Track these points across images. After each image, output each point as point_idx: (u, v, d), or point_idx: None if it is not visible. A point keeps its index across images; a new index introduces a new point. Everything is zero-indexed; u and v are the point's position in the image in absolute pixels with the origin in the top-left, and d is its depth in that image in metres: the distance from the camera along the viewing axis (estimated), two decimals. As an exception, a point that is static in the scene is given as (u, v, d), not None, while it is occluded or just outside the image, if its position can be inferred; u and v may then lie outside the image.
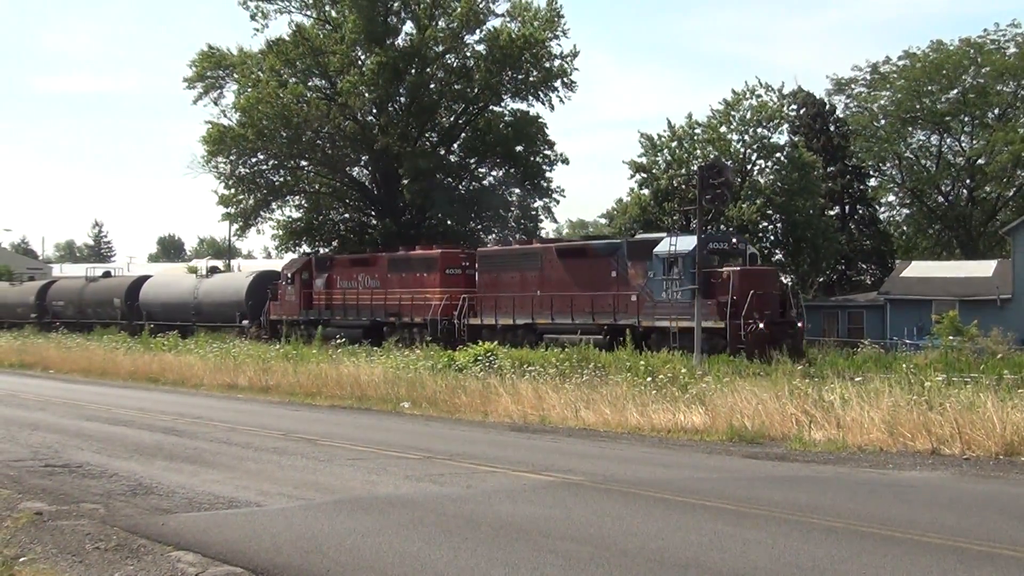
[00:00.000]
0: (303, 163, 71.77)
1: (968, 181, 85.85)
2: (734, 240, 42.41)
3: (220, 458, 17.22)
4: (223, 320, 58.60)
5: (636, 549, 10.36)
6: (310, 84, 69.99)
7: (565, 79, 69.88)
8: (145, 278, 70.02)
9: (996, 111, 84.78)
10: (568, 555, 10.07)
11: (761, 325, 37.07)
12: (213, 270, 67.97)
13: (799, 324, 39.64)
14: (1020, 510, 13.31)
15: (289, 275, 56.38)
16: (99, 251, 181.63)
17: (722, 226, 57.33)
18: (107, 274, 77.47)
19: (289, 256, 74.30)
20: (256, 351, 40.77)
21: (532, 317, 44.86)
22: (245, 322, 57.61)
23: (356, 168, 73.89)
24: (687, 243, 40.06)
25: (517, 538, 10.83)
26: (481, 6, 68.25)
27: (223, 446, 18.93)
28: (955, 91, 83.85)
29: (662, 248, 40.71)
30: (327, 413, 27.33)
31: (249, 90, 67.33)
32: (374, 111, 70.19)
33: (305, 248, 72.89)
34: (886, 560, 9.99)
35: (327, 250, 72.29)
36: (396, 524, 11.58)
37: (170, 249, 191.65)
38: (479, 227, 71.75)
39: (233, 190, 70.38)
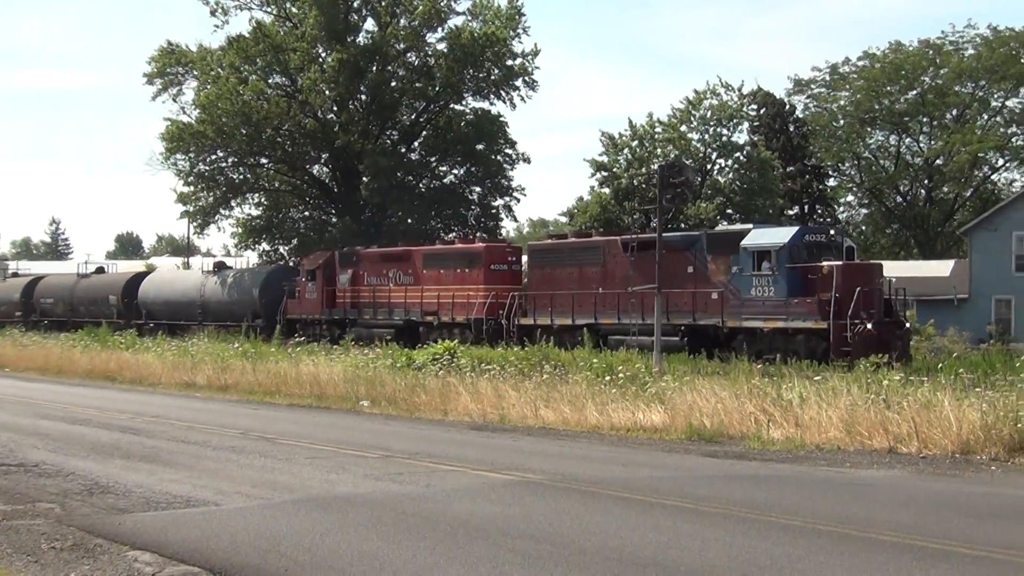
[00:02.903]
0: (263, 161, 71.41)
1: (926, 181, 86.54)
2: (831, 232, 38.85)
3: (178, 457, 17.13)
4: (233, 319, 55.01)
5: (595, 548, 10.37)
6: (270, 81, 69.65)
7: (526, 78, 69.94)
8: (144, 274, 68.23)
9: (954, 112, 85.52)
10: (527, 553, 10.07)
11: (869, 326, 33.79)
12: (220, 266, 65.06)
13: (907, 325, 36.82)
14: (975, 508, 13.41)
15: (310, 271, 53.81)
16: (56, 248, 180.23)
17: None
18: (100, 270, 75.11)
19: (249, 255, 73.89)
20: (215, 349, 40.54)
21: (595, 317, 41.34)
22: (259, 321, 54.92)
23: (316, 166, 73.67)
24: (781, 235, 37.59)
25: (476, 537, 10.82)
26: (442, 4, 68.13)
27: (181, 445, 18.84)
28: (914, 92, 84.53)
29: (751, 241, 37.48)
30: (286, 412, 27.24)
31: (209, 87, 66.98)
32: (335, 109, 70.01)
33: (265, 246, 72.56)
34: (843, 558, 10.04)
35: (286, 249, 72.02)
36: (355, 523, 11.55)
37: (128, 247, 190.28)
38: (439, 225, 71.68)
39: (192, 187, 69.93)
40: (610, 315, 40.89)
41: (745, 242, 37.41)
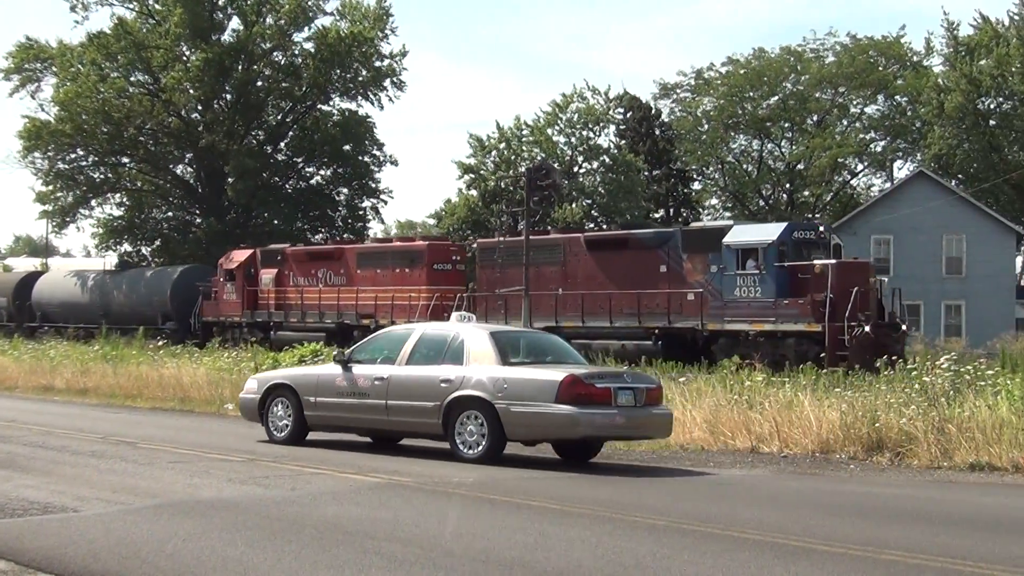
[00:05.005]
0: (124, 160, 70.42)
1: (788, 185, 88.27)
2: (820, 229, 36.71)
3: (35, 462, 16.68)
4: (141, 322, 51.35)
5: (462, 550, 10.34)
6: (132, 79, 68.64)
7: (394, 79, 69.97)
8: (38, 274, 65.46)
9: (815, 117, 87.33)
10: (393, 556, 10.01)
11: (867, 328, 32.02)
12: (125, 264, 62.64)
13: (903, 328, 34.90)
14: (834, 506, 13.68)
15: (228, 270, 50.83)
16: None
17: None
18: None
19: (110, 256, 72.54)
20: (75, 352, 39.66)
21: (556, 320, 38.84)
22: (170, 324, 52.42)
23: (180, 166, 72.80)
24: (769, 232, 35.82)
25: (342, 540, 10.73)
26: (309, 3, 67.88)
27: (38, 450, 18.35)
28: (776, 98, 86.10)
29: (735, 238, 35.55)
30: (148, 415, 26.74)
31: (68, 84, 65.78)
32: (199, 108, 69.27)
33: (127, 247, 71.38)
34: (706, 556, 10.15)
35: (149, 249, 70.96)
36: (219, 528, 11.37)
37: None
38: (306, 227, 71.27)
39: (51, 187, 68.61)
40: (573, 318, 38.89)
41: (728, 239, 35.64)
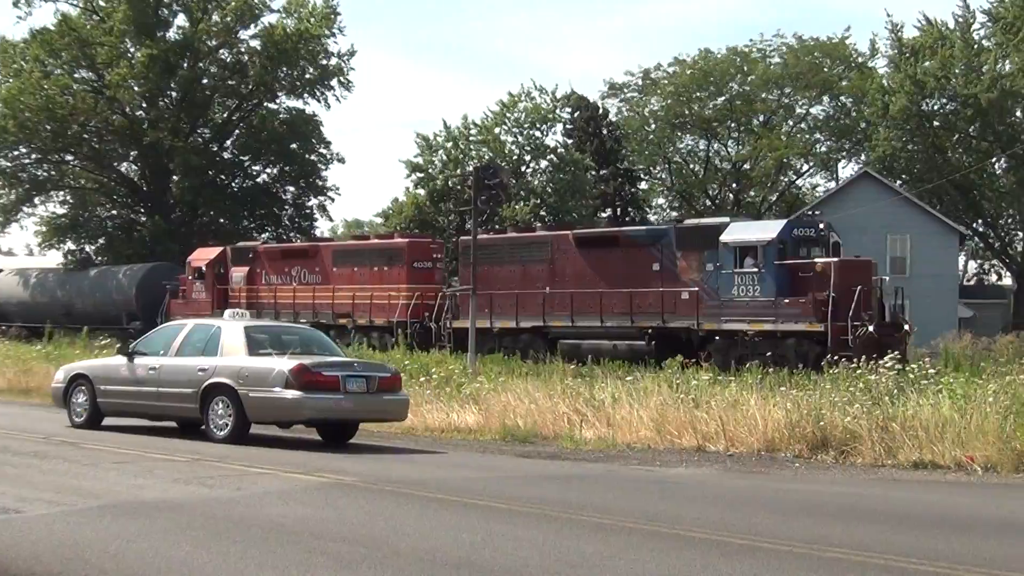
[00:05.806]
0: (68, 157, 69.70)
1: (734, 185, 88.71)
2: (820, 226, 35.30)
3: (-24, 463, 16.50)
4: (105, 322, 51.32)
5: (408, 549, 10.32)
6: (76, 76, 67.99)
7: (342, 78, 69.71)
8: None
9: (761, 118, 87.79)
10: (339, 556, 9.97)
11: (871, 328, 31.08)
12: (86, 262, 61.43)
13: (905, 327, 33.85)
14: (779, 504, 13.76)
15: (197, 268, 49.25)
16: None
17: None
18: None
19: (54, 254, 71.82)
20: (16, 351, 39.23)
21: (543, 319, 38.25)
22: (136, 323, 50.57)
23: (124, 164, 72.12)
24: (770, 229, 34.85)
25: (288, 540, 10.68)
26: (256, 1, 67.46)
27: (-20, 450, 18.15)
28: (722, 98, 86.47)
29: (733, 235, 34.48)
30: (92, 415, 26.43)
31: (11, 80, 65.10)
32: (144, 105, 68.67)
33: (70, 245, 70.65)
34: (652, 554, 10.18)
35: (92, 248, 70.23)
36: (163, 529, 11.28)
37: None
38: (252, 225, 70.89)
39: (-8, 184, 67.91)
40: (561, 317, 38.01)
41: (725, 237, 34.61)
